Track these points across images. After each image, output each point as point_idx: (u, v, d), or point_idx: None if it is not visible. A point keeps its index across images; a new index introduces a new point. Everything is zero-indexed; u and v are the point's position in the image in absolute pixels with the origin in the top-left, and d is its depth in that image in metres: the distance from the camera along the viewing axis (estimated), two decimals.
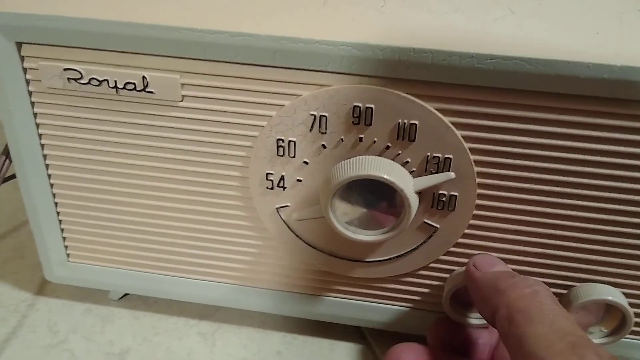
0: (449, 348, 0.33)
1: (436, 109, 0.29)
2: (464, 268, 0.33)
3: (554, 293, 0.33)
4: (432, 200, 0.32)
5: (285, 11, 0.30)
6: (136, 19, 0.29)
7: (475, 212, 0.32)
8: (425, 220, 0.32)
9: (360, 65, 0.28)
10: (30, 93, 0.32)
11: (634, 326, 0.33)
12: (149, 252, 0.37)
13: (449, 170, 0.30)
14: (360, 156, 0.30)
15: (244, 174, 0.33)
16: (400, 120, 0.29)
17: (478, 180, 0.31)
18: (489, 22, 0.29)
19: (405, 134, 0.30)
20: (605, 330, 0.34)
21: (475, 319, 0.34)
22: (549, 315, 0.25)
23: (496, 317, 0.27)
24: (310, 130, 0.30)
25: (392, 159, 0.30)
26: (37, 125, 0.33)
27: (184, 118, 0.32)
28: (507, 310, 0.26)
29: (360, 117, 0.30)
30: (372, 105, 0.29)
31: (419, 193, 0.31)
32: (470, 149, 0.30)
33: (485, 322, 0.33)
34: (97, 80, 0.31)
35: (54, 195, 0.36)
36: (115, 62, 0.30)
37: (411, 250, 0.34)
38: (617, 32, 0.29)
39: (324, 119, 0.30)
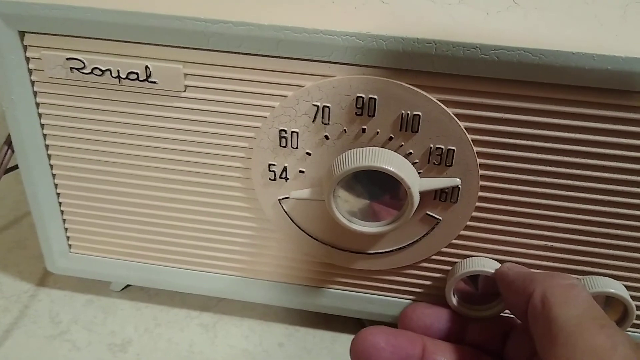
0: (423, 331, 0.33)
1: (439, 100, 0.29)
2: (464, 260, 0.34)
3: None
4: (435, 192, 0.31)
5: (288, 1, 0.30)
6: (139, 8, 0.29)
7: (477, 204, 0.32)
8: (428, 212, 0.32)
9: (363, 55, 0.28)
10: (32, 83, 0.32)
11: (635, 319, 0.33)
12: (150, 243, 0.37)
13: (451, 162, 0.30)
14: (372, 147, 0.30)
15: (246, 165, 0.33)
16: (403, 111, 0.29)
17: (481, 172, 0.31)
18: (492, 13, 0.29)
19: (409, 125, 0.30)
20: None
21: (477, 311, 0.34)
22: (583, 304, 0.25)
23: (530, 303, 0.27)
24: (313, 121, 0.30)
25: (395, 150, 0.30)
26: (40, 115, 0.33)
27: (187, 108, 0.31)
28: (542, 293, 0.27)
29: (364, 108, 0.30)
30: (376, 96, 0.29)
31: None
32: (473, 140, 0.30)
33: (485, 313, 0.34)
34: (100, 70, 0.31)
35: (56, 185, 0.36)
36: (118, 52, 0.30)
37: (413, 242, 0.34)
38: (621, 24, 0.29)
39: (327, 109, 0.30)
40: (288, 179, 0.32)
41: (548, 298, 0.26)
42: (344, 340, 0.39)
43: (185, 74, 0.30)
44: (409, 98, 0.29)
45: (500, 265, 0.32)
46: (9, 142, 0.35)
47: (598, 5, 0.30)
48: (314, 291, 0.37)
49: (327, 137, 0.31)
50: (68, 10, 0.29)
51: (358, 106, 0.29)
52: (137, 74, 0.31)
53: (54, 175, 0.35)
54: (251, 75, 0.30)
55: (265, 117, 0.31)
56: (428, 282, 0.36)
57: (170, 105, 0.32)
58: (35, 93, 0.32)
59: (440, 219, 0.32)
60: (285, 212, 0.34)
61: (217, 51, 0.29)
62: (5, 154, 0.35)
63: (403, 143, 0.30)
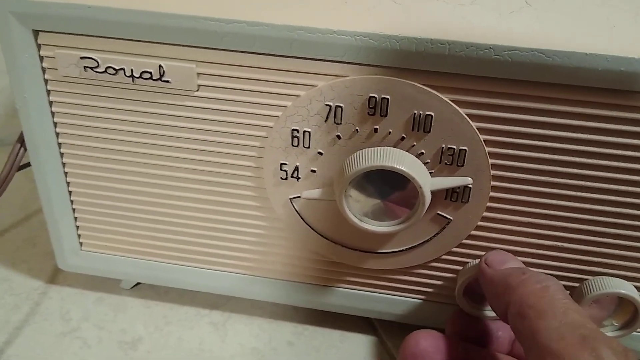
0: (468, 339, 0.33)
1: (452, 101, 0.29)
2: (476, 261, 0.34)
3: (566, 286, 0.33)
4: (446, 191, 0.32)
5: (302, 1, 0.30)
6: (153, 8, 0.29)
7: (489, 204, 0.32)
8: (439, 212, 0.32)
9: (376, 55, 0.28)
10: (46, 81, 0.32)
11: None
12: (161, 241, 0.38)
13: (463, 162, 0.30)
14: (384, 147, 0.30)
15: (258, 164, 0.33)
16: (415, 112, 0.29)
17: (492, 172, 0.31)
18: (505, 13, 0.29)
19: (421, 125, 0.30)
20: (617, 324, 0.34)
21: (488, 312, 0.34)
22: (560, 309, 0.25)
23: (508, 314, 0.27)
24: (326, 121, 0.31)
25: (407, 150, 0.30)
26: (53, 113, 0.33)
27: (200, 107, 0.32)
28: (519, 306, 0.26)
29: (376, 108, 0.30)
30: (388, 96, 0.29)
31: None
32: (485, 140, 0.30)
33: (494, 314, 0.33)
34: (114, 69, 0.31)
35: (68, 184, 0.36)
36: (131, 51, 0.30)
37: (424, 242, 0.34)
38: (633, 26, 0.29)
39: (339, 109, 0.30)
40: (299, 178, 0.33)
41: (525, 310, 0.26)
42: (353, 339, 0.39)
43: (198, 74, 0.30)
44: (421, 98, 0.29)
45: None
46: (21, 140, 0.35)
47: (610, 7, 0.31)
48: (323, 290, 0.38)
49: (339, 137, 0.31)
50: (82, 10, 0.29)
51: (370, 106, 0.30)
52: (150, 73, 0.31)
53: (66, 174, 0.36)
54: (264, 75, 0.30)
55: (278, 116, 0.31)
56: (438, 282, 0.36)
57: (183, 104, 0.32)
58: (48, 92, 0.33)
59: (451, 219, 0.33)
60: (296, 211, 0.34)
61: (231, 51, 0.30)
62: (18, 152, 0.35)
63: (415, 143, 0.30)
